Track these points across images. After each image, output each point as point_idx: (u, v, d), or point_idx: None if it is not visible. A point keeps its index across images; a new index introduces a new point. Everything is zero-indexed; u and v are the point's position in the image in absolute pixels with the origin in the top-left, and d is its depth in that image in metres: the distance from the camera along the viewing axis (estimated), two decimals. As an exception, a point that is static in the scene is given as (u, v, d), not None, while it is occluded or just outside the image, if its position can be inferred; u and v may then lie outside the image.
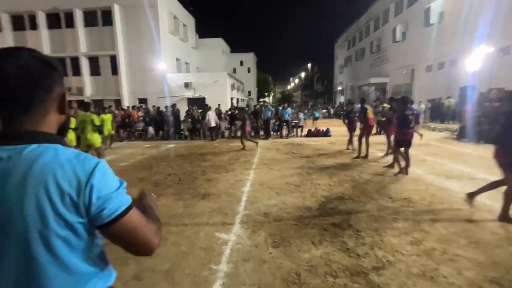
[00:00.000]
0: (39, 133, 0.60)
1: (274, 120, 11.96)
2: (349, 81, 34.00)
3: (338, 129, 13.81)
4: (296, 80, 74.66)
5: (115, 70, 19.63)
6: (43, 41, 19.13)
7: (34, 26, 19.19)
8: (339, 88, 39.50)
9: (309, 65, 62.40)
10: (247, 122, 8.90)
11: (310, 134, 11.34)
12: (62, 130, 0.70)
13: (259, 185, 4.62)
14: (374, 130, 7.77)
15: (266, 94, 55.20)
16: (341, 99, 38.24)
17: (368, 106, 6.77)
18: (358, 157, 6.52)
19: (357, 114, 7.20)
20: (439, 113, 14.95)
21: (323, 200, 3.80)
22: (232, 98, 22.99)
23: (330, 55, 45.80)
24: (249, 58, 40.44)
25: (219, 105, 15.73)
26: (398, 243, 2.58)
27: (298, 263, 2.31)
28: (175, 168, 6.00)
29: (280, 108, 11.69)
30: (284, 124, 11.34)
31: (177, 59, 22.55)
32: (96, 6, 18.77)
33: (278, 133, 11.57)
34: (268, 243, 2.66)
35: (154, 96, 19.79)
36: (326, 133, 11.22)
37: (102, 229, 0.61)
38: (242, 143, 8.44)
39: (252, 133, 11.78)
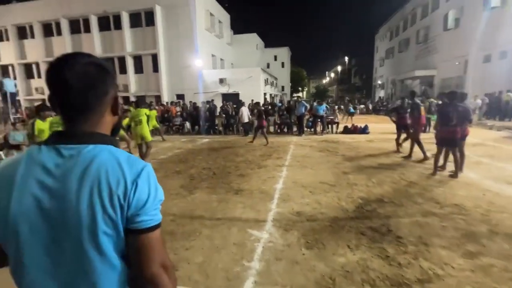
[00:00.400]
0: (96, 134, 0.65)
1: (308, 116, 11.65)
2: (391, 74, 31.70)
3: (377, 125, 13.04)
4: (332, 75, 71.90)
5: (156, 68, 20.83)
6: (95, 43, 21.00)
7: (87, 29, 21.13)
8: (379, 82, 37.08)
9: (346, 58, 59.53)
10: (263, 117, 9.00)
11: (346, 130, 10.85)
12: (115, 129, 0.74)
13: (292, 182, 4.54)
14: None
15: (300, 89, 54.05)
16: (380, 93, 35.89)
17: (417, 101, 6.19)
18: (410, 156, 6.04)
19: (408, 110, 6.36)
20: (497, 109, 13.23)
21: (360, 201, 3.60)
22: (265, 94, 22.96)
23: (370, 47, 43.13)
24: (283, 53, 39.88)
25: (252, 100, 15.84)
26: (448, 255, 2.33)
27: (333, 267, 2.21)
28: (209, 163, 6.18)
29: (315, 103, 11.34)
30: (319, 120, 10.99)
31: (213, 56, 23.12)
32: (140, 7, 20.00)
33: (312, 129, 11.28)
34: (301, 243, 2.60)
35: (191, 92, 20.63)
36: (364, 130, 10.63)
37: (126, 233, 0.62)
38: (254, 138, 9.01)
39: (285, 129, 11.66)
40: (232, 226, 2.98)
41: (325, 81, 79.32)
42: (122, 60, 21.17)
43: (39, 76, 23.07)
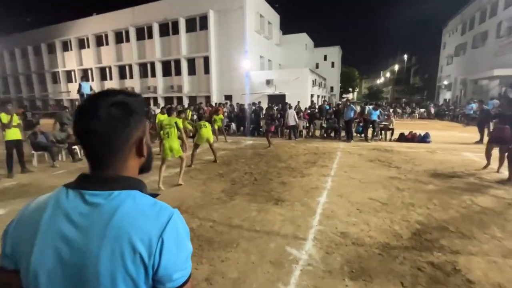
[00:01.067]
0: (121, 178, 0.62)
1: (358, 120, 10.85)
2: (461, 73, 27.69)
3: (440, 133, 11.52)
4: (387, 74, 66.33)
5: (207, 70, 21.92)
6: (156, 47, 23.07)
7: (150, 35, 23.34)
8: (445, 82, 32.75)
9: (405, 56, 54.14)
10: (273, 122, 9.05)
11: (402, 138, 9.78)
12: (143, 169, 0.71)
13: (337, 196, 4.22)
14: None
15: (350, 89, 51.16)
16: (446, 95, 31.73)
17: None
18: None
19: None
20: None
21: (418, 227, 3.13)
22: (312, 95, 22.28)
23: (435, 43, 38.30)
24: (334, 52, 38.18)
25: (298, 102, 15.49)
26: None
27: (382, 308, 1.92)
28: (252, 167, 6.17)
29: (369, 107, 10.50)
30: (370, 125, 10.15)
31: (261, 57, 23.33)
32: (195, 13, 21.27)
33: (362, 135, 10.47)
34: (345, 271, 2.34)
35: (238, 93, 21.16)
36: (424, 139, 9.44)
37: None
38: (269, 143, 8.84)
39: (324, 134, 11.07)
40: (270, 241, 2.86)
41: (379, 81, 73.64)
42: (177, 62, 22.82)
43: (111, 78, 26.36)
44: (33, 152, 6.55)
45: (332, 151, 8.04)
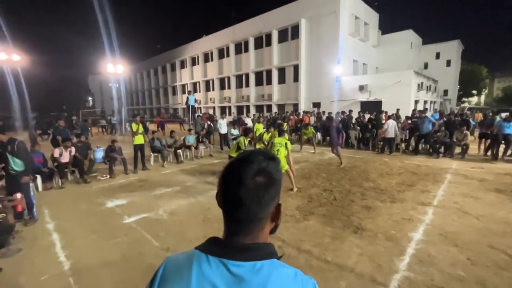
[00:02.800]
0: (260, 247, 0.63)
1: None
2: None
3: None
4: (539, 69, 49.42)
5: (296, 78, 22.13)
6: (251, 60, 25.07)
7: (246, 49, 25.58)
8: None
9: None
10: (336, 133, 7.56)
11: (559, 162, 6.96)
12: (271, 231, 0.70)
13: (439, 235, 3.36)
14: None
15: (474, 92, 40.82)
16: None
17: None
18: None
19: None
20: None
21: None
22: (417, 101, 19.00)
23: None
24: (450, 48, 31.39)
25: (398, 110, 13.49)
26: None
27: None
28: (333, 184, 5.74)
29: (499, 118, 8.06)
30: (503, 141, 7.73)
31: (354, 61, 21.73)
32: (288, 24, 21.92)
33: (488, 153, 8.09)
34: None
35: (327, 100, 20.36)
36: None
37: None
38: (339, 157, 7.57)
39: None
40: (341, 279, 2.54)
41: (524, 79, 55.90)
42: (269, 72, 24.04)
43: (213, 89, 30.38)
44: (151, 154, 8.22)
45: (438, 172, 6.56)
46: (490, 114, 11.47)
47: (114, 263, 2.88)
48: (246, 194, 0.59)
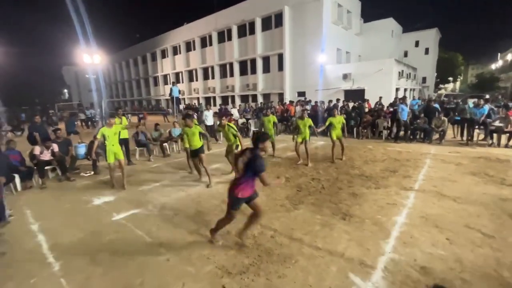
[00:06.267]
0: None
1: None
2: None
3: None
4: (509, 56, 51.96)
5: (281, 67, 22.05)
6: (234, 49, 24.60)
7: (230, 37, 25.02)
8: None
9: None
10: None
11: (526, 144, 7.49)
12: None
13: (420, 217, 3.57)
14: None
15: (450, 79, 42.54)
16: None
17: None
18: None
19: None
20: None
21: (542, 278, 2.33)
22: (398, 89, 19.58)
23: None
24: (428, 36, 32.27)
25: (380, 98, 13.85)
26: None
27: None
28: (320, 172, 5.88)
29: (470, 104, 8.51)
30: (478, 127, 8.18)
31: (338, 49, 21.89)
32: (271, 11, 21.57)
33: (464, 138, 8.56)
34: (421, 320, 1.96)
35: (312, 89, 20.51)
36: None
37: None
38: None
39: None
40: (332, 263, 2.66)
41: (495, 66, 58.62)
42: (253, 61, 23.75)
43: (197, 79, 29.66)
44: (136, 148, 8.00)
45: (419, 157, 6.88)
46: (460, 102, 12.05)
47: (106, 262, 2.84)
48: None
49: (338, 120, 6.66)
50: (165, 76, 33.80)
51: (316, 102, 13.84)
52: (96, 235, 3.46)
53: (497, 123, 8.14)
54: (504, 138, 7.91)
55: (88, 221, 3.89)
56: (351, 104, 12.95)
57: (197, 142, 5.21)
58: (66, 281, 2.56)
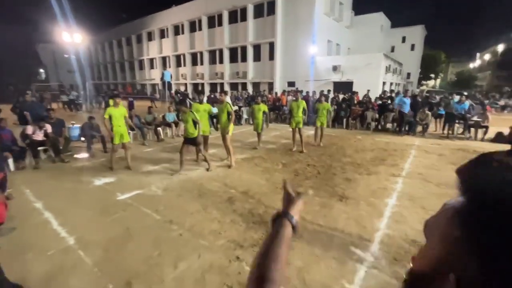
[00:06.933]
0: None
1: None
2: None
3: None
4: (486, 56, 54.63)
5: (272, 56, 21.96)
6: (225, 35, 24.13)
7: (220, 23, 24.45)
8: None
9: (517, 33, 43.20)
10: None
11: (500, 139, 8.17)
12: None
13: (408, 200, 3.94)
14: None
15: (432, 76, 44.18)
16: None
17: None
18: None
19: None
20: None
21: None
22: (384, 83, 20.20)
23: None
24: (415, 33, 33.17)
25: (368, 91, 14.32)
26: None
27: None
28: (314, 159, 6.17)
29: (455, 99, 9.07)
30: (457, 121, 8.77)
31: (329, 41, 22.08)
32: (263, -2, 21.24)
33: (445, 131, 9.16)
34: (414, 282, 2.26)
35: (302, 79, 20.70)
36: (531, 141, 7.69)
37: None
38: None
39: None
40: (334, 238, 2.93)
41: (474, 65, 61.44)
42: (244, 49, 23.46)
43: (185, 65, 28.93)
44: (129, 131, 7.90)
45: (404, 148, 7.34)
46: (448, 96, 12.74)
47: (120, 236, 2.96)
48: None
49: (324, 106, 7.38)
50: (151, 60, 32.67)
51: (307, 92, 14.08)
52: (104, 212, 3.54)
53: (475, 118, 8.78)
54: (480, 132, 8.57)
55: (93, 200, 3.94)
56: (341, 96, 13.29)
57: (193, 129, 5.10)
58: (84, 253, 2.66)
